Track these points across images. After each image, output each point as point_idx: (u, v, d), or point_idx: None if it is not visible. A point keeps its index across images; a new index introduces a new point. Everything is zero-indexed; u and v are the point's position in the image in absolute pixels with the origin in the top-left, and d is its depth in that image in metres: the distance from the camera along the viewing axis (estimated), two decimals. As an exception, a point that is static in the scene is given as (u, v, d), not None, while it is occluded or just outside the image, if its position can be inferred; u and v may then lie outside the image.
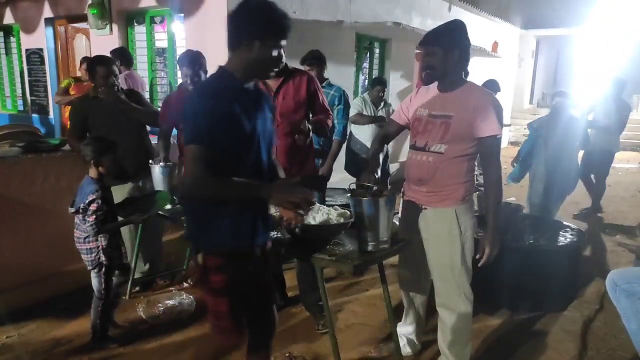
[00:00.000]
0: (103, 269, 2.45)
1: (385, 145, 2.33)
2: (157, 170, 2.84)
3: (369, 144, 4.46)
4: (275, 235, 2.18)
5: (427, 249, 2.17)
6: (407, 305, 2.43)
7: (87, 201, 2.33)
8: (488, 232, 2.02)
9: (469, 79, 2.08)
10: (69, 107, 4.16)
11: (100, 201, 2.34)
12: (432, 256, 2.15)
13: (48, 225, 3.11)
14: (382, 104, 5.01)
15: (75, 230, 2.43)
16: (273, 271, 2.83)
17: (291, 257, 2.22)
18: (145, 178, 3.04)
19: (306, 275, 2.74)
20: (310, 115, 2.67)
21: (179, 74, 5.10)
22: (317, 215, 2.12)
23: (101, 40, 5.45)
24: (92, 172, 2.39)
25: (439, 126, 2.02)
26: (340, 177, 4.52)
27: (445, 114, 2.02)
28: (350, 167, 4.68)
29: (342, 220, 2.11)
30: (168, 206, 2.71)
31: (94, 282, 2.47)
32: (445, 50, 1.96)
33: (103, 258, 2.42)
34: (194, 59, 2.86)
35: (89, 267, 2.46)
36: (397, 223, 2.33)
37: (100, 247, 2.41)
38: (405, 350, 2.45)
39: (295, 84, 2.61)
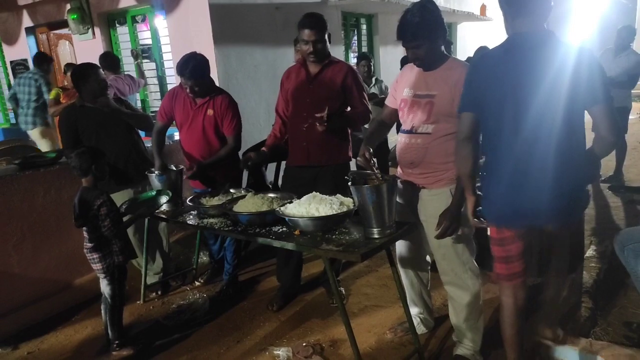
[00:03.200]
0: (116, 274, 2.48)
1: (382, 131, 2.32)
2: (154, 179, 2.84)
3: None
4: (281, 230, 2.22)
5: (427, 231, 2.17)
6: (409, 286, 2.44)
7: (95, 207, 2.35)
8: (450, 204, 2.02)
9: (459, 45, 2.05)
10: None
11: (109, 203, 2.38)
12: (433, 237, 2.13)
13: (54, 239, 3.13)
14: (374, 80, 4.94)
15: (85, 242, 2.44)
16: (293, 261, 2.93)
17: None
18: (144, 183, 3.03)
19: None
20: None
21: (168, 72, 5.16)
22: (320, 206, 2.14)
23: (85, 45, 5.39)
24: (86, 182, 2.41)
25: (423, 106, 2.02)
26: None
27: (429, 94, 2.01)
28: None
29: (345, 209, 2.13)
30: (165, 204, 2.69)
31: (107, 289, 2.49)
32: (430, 41, 1.93)
33: (121, 259, 2.45)
34: (195, 71, 2.74)
35: (101, 275, 2.47)
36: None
37: (116, 250, 2.44)
38: (420, 328, 2.48)
39: (332, 73, 2.62)
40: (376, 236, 2.02)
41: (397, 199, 2.27)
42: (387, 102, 2.25)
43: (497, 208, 1.78)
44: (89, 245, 2.43)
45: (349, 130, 2.82)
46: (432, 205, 2.11)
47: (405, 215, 2.24)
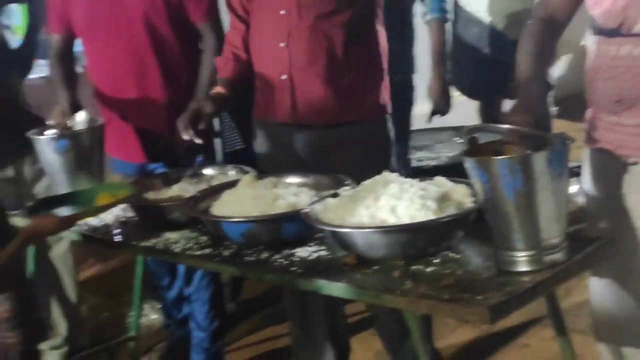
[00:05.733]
0: None
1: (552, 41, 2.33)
2: (45, 147, 2.88)
3: (491, 20, 4.35)
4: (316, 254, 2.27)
5: None
6: None
7: None
8: None
9: None
10: None
11: None
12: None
13: None
14: None
15: None
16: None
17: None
18: (18, 159, 3.15)
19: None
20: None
21: None
22: (400, 203, 2.09)
23: None
24: None
25: None
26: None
27: None
28: (461, 78, 4.53)
29: (453, 210, 2.09)
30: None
31: None
32: None
33: (10, 341, 2.42)
34: None
35: None
36: (579, 201, 2.38)
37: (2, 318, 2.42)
38: None
39: None
40: (524, 267, 1.95)
41: (582, 184, 2.33)
42: None
43: None
44: None
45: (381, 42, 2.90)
46: None
47: (597, 220, 2.27)
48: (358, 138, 2.81)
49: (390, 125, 2.96)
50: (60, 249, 3.32)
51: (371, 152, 2.84)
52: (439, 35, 3.82)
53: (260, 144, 3.00)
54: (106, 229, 2.70)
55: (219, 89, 2.88)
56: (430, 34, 3.83)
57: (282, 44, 2.75)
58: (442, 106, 3.84)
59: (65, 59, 3.28)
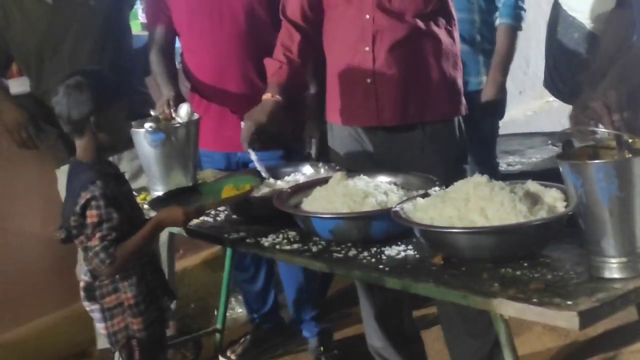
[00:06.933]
0: (136, 353, 2.49)
1: None
2: (141, 140, 2.91)
3: (592, 26, 4.20)
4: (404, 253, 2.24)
5: None
6: None
7: (78, 207, 2.35)
8: None
9: None
10: None
11: (103, 201, 2.33)
12: None
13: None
14: None
15: (82, 274, 2.51)
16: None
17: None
18: (118, 155, 3.23)
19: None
20: None
21: None
22: (490, 205, 2.07)
23: None
24: (83, 150, 2.44)
25: None
26: (531, 106, 4.37)
27: None
28: (557, 82, 4.45)
29: (544, 214, 2.05)
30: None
31: None
32: None
33: (135, 327, 2.45)
34: None
35: (111, 345, 2.53)
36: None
37: (127, 304, 2.44)
38: None
39: None
40: (616, 274, 1.90)
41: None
42: None
43: None
44: (89, 281, 2.46)
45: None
46: None
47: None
48: (437, 137, 2.81)
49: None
50: (161, 238, 3.34)
51: (451, 150, 2.85)
52: (505, 41, 3.79)
53: (336, 146, 3.00)
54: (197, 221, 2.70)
55: (276, 98, 2.89)
56: (497, 38, 3.82)
57: (367, 48, 2.76)
58: (490, 111, 3.84)
59: (167, 53, 3.36)
